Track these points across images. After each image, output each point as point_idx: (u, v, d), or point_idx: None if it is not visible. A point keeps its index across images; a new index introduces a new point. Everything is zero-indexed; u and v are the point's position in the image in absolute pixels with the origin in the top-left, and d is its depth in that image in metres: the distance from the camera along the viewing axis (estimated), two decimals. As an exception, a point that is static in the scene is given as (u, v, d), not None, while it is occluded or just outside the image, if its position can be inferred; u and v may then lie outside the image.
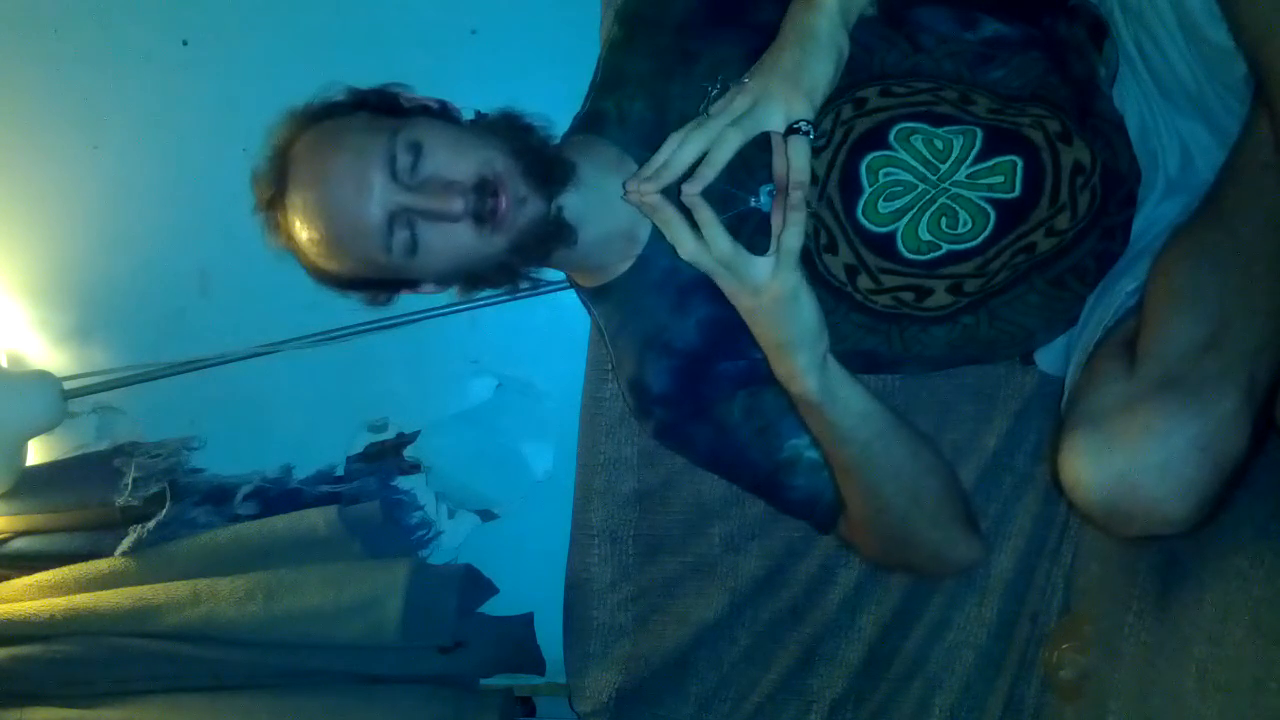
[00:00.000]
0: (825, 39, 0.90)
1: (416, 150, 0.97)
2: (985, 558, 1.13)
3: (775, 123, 0.89)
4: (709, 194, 0.89)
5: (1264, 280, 0.87)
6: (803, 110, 0.89)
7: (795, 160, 0.88)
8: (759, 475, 1.09)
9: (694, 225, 0.90)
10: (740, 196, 0.97)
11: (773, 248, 0.89)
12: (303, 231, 1.01)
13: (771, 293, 0.90)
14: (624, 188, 0.91)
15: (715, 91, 0.96)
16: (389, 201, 0.97)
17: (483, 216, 0.97)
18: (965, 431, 1.31)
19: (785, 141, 0.88)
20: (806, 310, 0.92)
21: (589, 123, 1.11)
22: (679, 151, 0.89)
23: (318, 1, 1.50)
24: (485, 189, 0.97)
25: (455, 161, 0.98)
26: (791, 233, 0.88)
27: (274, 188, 1.03)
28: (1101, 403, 0.90)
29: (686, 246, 0.90)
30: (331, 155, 0.99)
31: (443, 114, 1.06)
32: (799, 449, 1.06)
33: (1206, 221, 0.93)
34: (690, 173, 0.89)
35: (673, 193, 0.90)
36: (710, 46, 1.04)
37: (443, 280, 1.06)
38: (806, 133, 0.88)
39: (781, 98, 0.89)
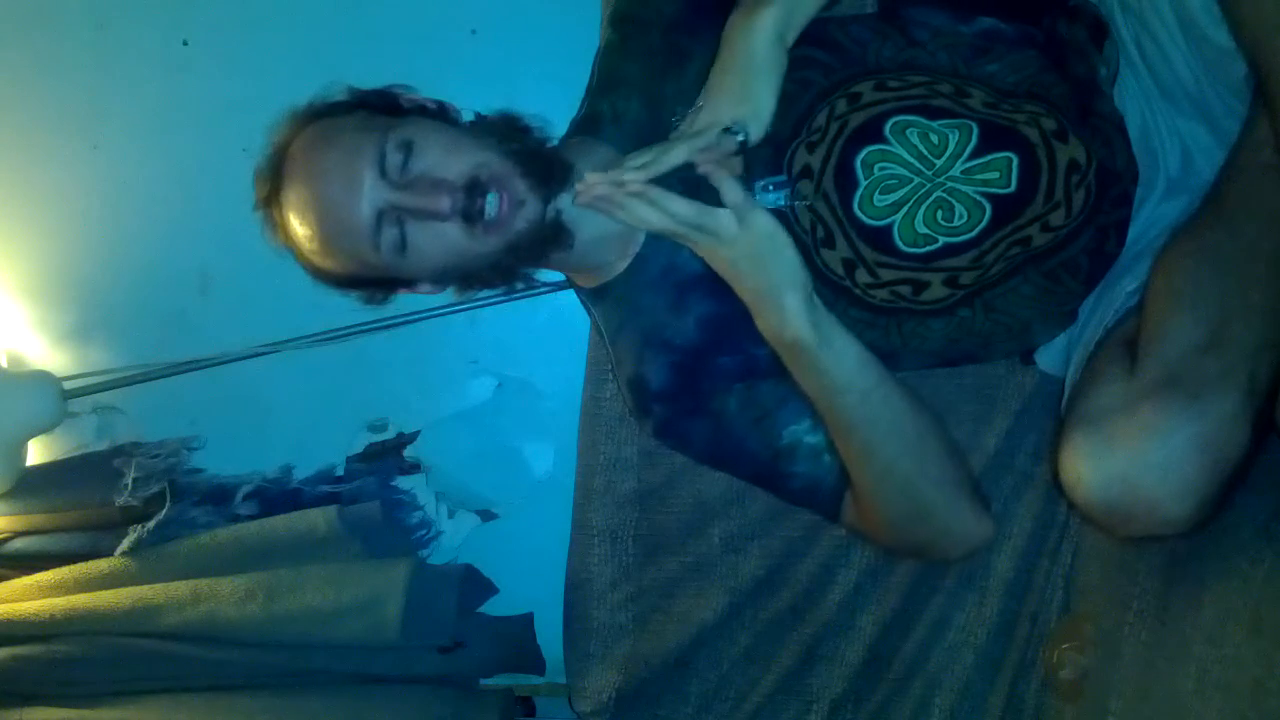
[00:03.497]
0: (763, 61, 0.95)
1: (407, 149, 0.98)
2: (994, 536, 1.13)
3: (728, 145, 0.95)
4: (707, 196, 0.90)
5: (1264, 280, 0.88)
6: (751, 130, 0.95)
7: (721, 147, 0.93)
8: (759, 465, 1.08)
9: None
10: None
11: (724, 191, 0.92)
12: (297, 228, 1.02)
13: (748, 237, 0.92)
14: (574, 194, 0.94)
15: (677, 119, 1.00)
16: (377, 198, 0.97)
17: (472, 216, 0.97)
18: (965, 431, 1.31)
19: (718, 138, 0.94)
20: (785, 250, 0.93)
21: (585, 125, 1.11)
22: (628, 162, 0.93)
23: (318, 2, 1.50)
24: (476, 189, 0.97)
25: (446, 161, 0.98)
26: (727, 190, 0.91)
27: (271, 185, 1.03)
28: (1102, 402, 0.90)
29: (650, 218, 0.92)
30: (324, 152, 1.00)
31: (440, 114, 1.06)
32: (798, 435, 1.05)
33: (1207, 222, 0.94)
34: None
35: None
36: (701, 44, 1.05)
37: (436, 280, 1.06)
38: (736, 132, 0.94)
39: (728, 121, 0.95)
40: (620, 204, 0.92)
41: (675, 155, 0.92)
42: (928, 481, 1.02)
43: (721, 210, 0.92)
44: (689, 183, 0.94)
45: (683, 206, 0.91)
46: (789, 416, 1.05)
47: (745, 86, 0.95)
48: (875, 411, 0.98)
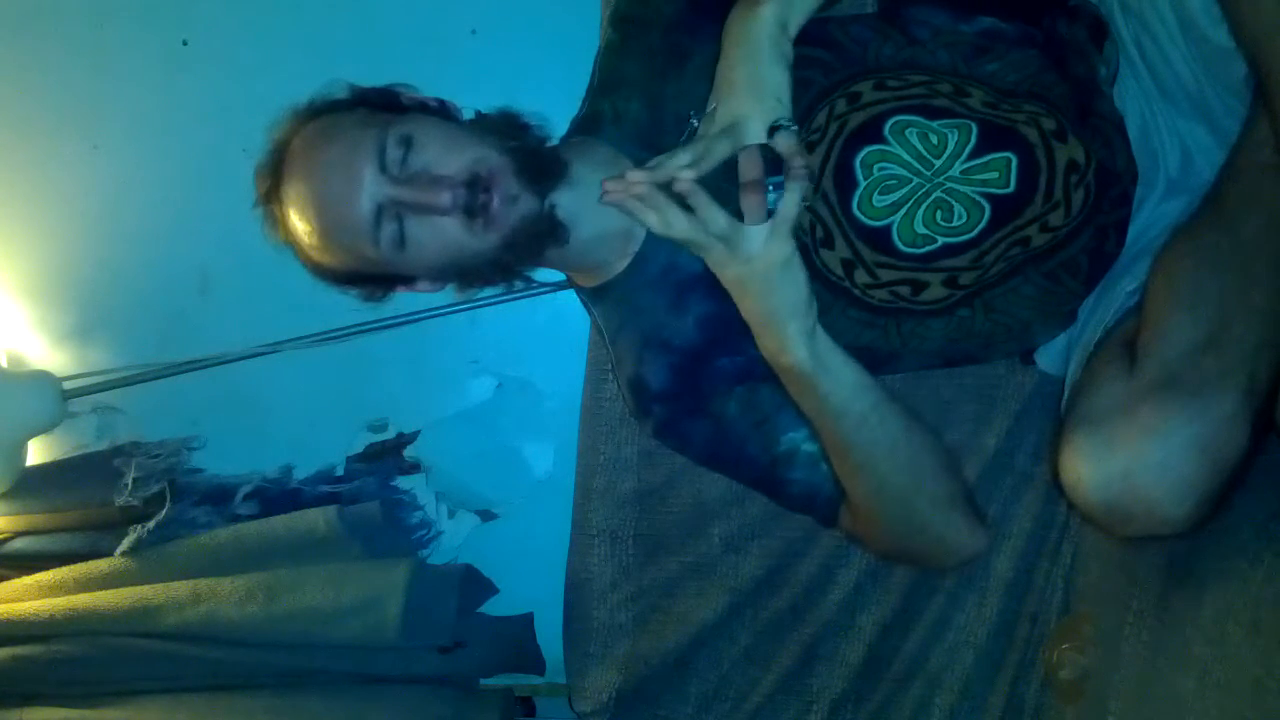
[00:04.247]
0: (769, 50, 0.92)
1: (407, 144, 0.98)
2: (990, 546, 1.13)
3: (757, 135, 0.90)
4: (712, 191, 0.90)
5: (1264, 280, 0.87)
6: (777, 113, 0.90)
7: (785, 149, 0.89)
8: (757, 469, 1.08)
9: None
10: (736, 193, 0.97)
11: (749, 219, 0.89)
12: (297, 224, 1.02)
13: (765, 260, 0.90)
14: (603, 187, 0.90)
15: (691, 122, 0.98)
16: (377, 193, 0.97)
17: (473, 211, 0.97)
18: (965, 431, 1.31)
19: (771, 139, 0.90)
20: (798, 279, 0.92)
21: (586, 125, 1.11)
22: (668, 161, 0.89)
23: (318, 2, 1.50)
24: (476, 185, 0.97)
25: (446, 157, 0.98)
26: (789, 199, 0.88)
27: (271, 180, 1.04)
28: (1102, 403, 0.90)
29: (678, 224, 0.89)
30: (324, 148, 1.01)
31: (440, 111, 1.07)
32: (796, 442, 1.05)
33: (1207, 221, 0.94)
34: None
35: None
36: (702, 44, 1.05)
37: (435, 277, 1.06)
38: (788, 127, 0.90)
39: (756, 113, 0.91)
40: (656, 206, 0.89)
41: (719, 151, 0.90)
42: (922, 498, 1.02)
43: (754, 228, 0.89)
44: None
45: (720, 218, 0.89)
46: (787, 422, 1.05)
47: (755, 76, 0.92)
48: (870, 434, 0.98)
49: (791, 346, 0.94)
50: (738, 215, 0.90)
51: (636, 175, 0.89)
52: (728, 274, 0.93)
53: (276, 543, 1.43)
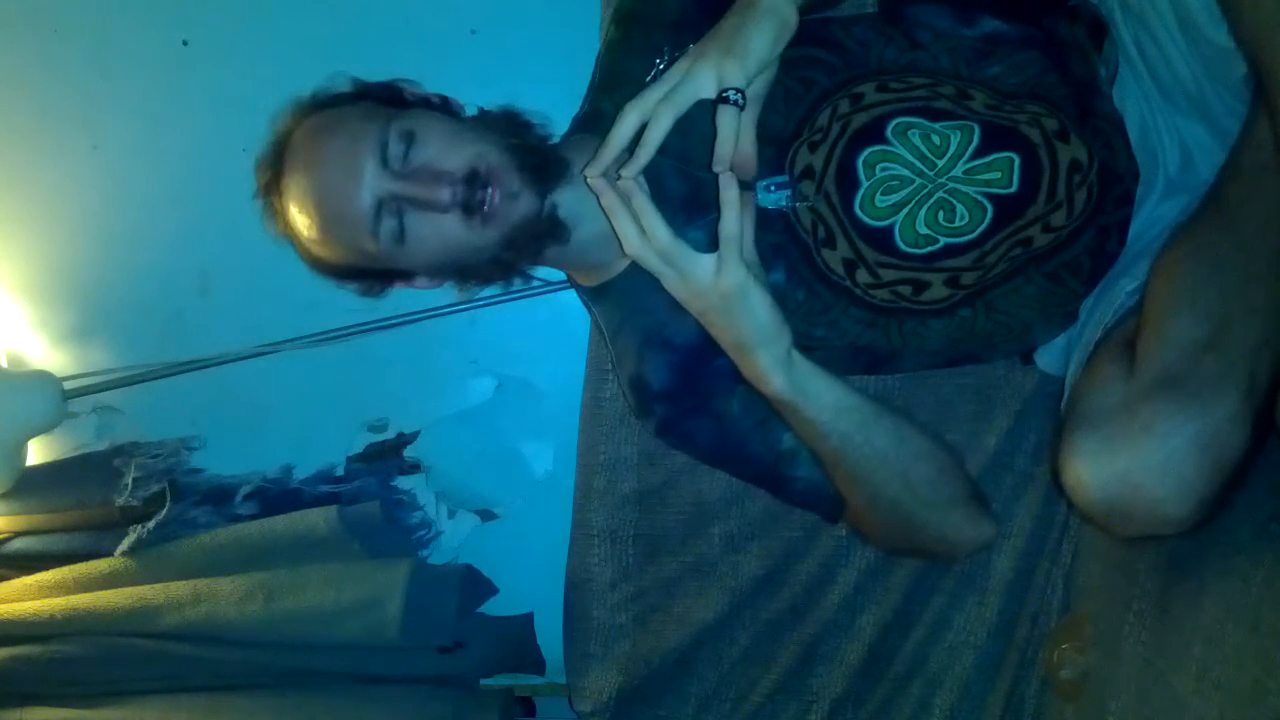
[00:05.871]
0: (767, 9, 0.88)
1: (409, 139, 0.98)
2: (996, 536, 1.12)
3: (706, 89, 0.86)
4: (706, 188, 0.89)
5: (1264, 280, 0.88)
6: (734, 75, 0.86)
7: (721, 130, 0.85)
8: (761, 468, 1.09)
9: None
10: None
11: (723, 222, 0.86)
12: (296, 216, 1.02)
13: (720, 290, 0.88)
14: (584, 176, 0.89)
15: (662, 64, 0.94)
16: (377, 188, 0.97)
17: (472, 208, 0.97)
18: (965, 431, 1.31)
19: (715, 110, 0.86)
20: (759, 307, 0.90)
21: (588, 122, 1.11)
22: (615, 130, 0.87)
23: (318, 2, 1.50)
24: (476, 181, 0.97)
25: (447, 153, 0.98)
26: (726, 217, 0.85)
27: (272, 172, 1.04)
28: (1102, 403, 0.90)
29: (631, 241, 0.87)
30: (326, 141, 1.00)
31: (443, 108, 1.07)
32: (799, 440, 1.06)
33: (1207, 221, 0.94)
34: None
35: (669, 185, 0.89)
36: None
37: (434, 273, 1.06)
38: (735, 102, 0.85)
39: (713, 62, 0.86)
40: (611, 209, 0.88)
41: (659, 127, 0.86)
42: (917, 504, 1.03)
43: (703, 256, 0.87)
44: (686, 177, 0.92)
45: (662, 234, 0.87)
46: None
47: (739, 30, 0.87)
48: (857, 451, 0.99)
49: (767, 375, 0.94)
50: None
51: (590, 171, 0.88)
52: (691, 309, 0.92)
53: (276, 543, 1.43)
